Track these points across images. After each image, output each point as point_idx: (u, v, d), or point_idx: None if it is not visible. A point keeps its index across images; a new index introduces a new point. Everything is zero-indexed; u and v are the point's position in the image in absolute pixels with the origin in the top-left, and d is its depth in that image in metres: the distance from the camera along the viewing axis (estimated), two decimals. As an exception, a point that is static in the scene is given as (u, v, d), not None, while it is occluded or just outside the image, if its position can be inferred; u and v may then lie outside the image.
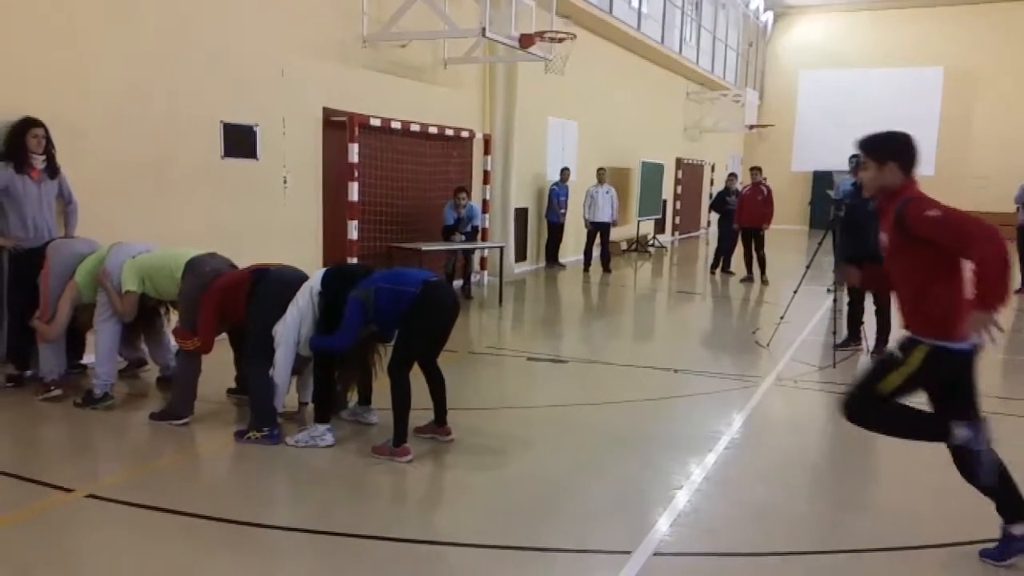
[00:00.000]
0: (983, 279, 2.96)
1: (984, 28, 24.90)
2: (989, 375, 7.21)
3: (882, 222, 3.41)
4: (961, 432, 3.22)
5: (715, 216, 14.61)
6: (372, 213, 9.34)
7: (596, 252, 13.85)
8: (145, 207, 6.57)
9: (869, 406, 3.36)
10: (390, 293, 4.50)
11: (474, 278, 11.14)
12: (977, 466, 3.28)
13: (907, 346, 3.25)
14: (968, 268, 3.07)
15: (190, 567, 3.31)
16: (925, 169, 23.47)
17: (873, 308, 7.51)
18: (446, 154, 10.82)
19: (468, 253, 10.62)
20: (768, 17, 27.68)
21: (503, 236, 11.96)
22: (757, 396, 6.08)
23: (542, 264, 13.90)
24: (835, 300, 7.79)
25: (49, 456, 4.73)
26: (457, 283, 10.38)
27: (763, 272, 12.80)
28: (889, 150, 3.33)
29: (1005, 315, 10.66)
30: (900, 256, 3.34)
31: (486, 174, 11.57)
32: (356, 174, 8.79)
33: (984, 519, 3.98)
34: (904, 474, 4.69)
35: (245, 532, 3.60)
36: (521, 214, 13.03)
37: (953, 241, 3.07)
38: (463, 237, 10.24)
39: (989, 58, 24.96)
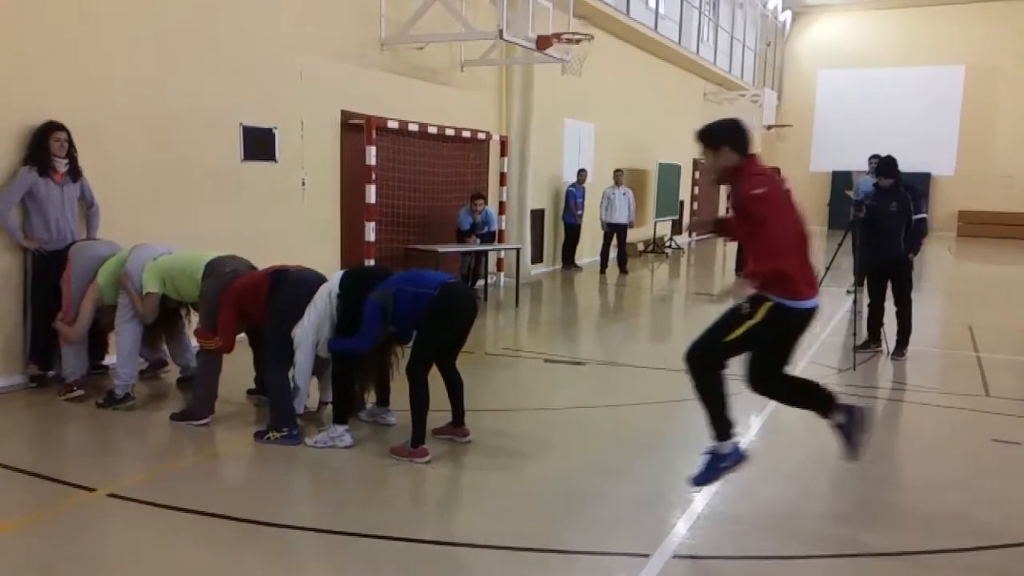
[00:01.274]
0: (763, 255, 3.52)
1: (1006, 25, 24.59)
2: (1010, 378, 7.12)
3: (730, 198, 3.89)
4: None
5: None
6: (389, 215, 9.37)
7: (613, 254, 13.82)
8: (166, 210, 6.63)
9: (708, 352, 3.75)
10: (411, 295, 4.52)
11: (490, 279, 11.16)
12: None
13: (755, 302, 3.63)
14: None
15: (211, 566, 3.33)
16: (945, 169, 23.38)
17: (894, 310, 7.44)
18: (463, 156, 10.83)
19: (480, 256, 10.64)
20: (786, 16, 27.51)
21: (519, 238, 11.97)
22: (776, 398, 6.03)
23: (558, 266, 13.89)
24: (855, 302, 7.73)
25: (71, 456, 4.78)
26: (465, 285, 10.41)
27: (782, 273, 12.71)
28: (720, 136, 3.73)
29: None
30: (745, 227, 3.74)
31: (503, 176, 11.57)
32: (373, 176, 8.83)
33: (1006, 524, 3.95)
34: (924, 478, 4.64)
35: (265, 532, 3.63)
36: (538, 216, 13.03)
37: (761, 216, 3.52)
38: (478, 240, 10.27)
39: (1011, 55, 24.64)
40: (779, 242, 3.51)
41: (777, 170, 13.64)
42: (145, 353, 5.91)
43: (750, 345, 3.71)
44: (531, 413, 5.69)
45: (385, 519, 3.80)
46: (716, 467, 3.79)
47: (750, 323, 3.62)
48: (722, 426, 3.77)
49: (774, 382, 3.84)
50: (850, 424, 3.79)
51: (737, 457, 3.79)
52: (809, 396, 3.88)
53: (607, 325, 9.91)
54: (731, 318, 3.71)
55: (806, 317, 3.67)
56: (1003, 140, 24.93)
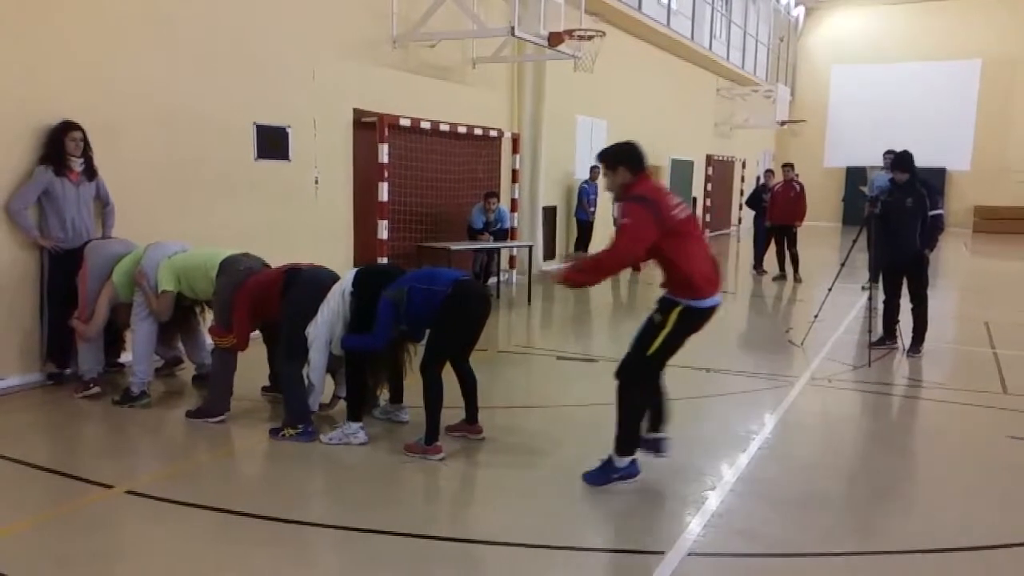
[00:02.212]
0: (594, 260, 4.04)
1: (1023, 18, 24.33)
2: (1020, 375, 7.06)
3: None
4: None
5: (750, 213, 14.34)
6: (402, 213, 9.39)
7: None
8: (180, 208, 6.67)
9: (636, 368, 4.07)
10: (424, 293, 4.52)
11: (503, 277, 11.16)
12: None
13: (665, 307, 4.00)
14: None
15: (228, 562, 3.35)
16: (961, 164, 23.18)
17: (909, 306, 7.38)
18: (475, 153, 10.84)
19: (493, 254, 10.65)
20: (799, 12, 27.34)
21: (532, 235, 11.96)
22: (791, 396, 6.01)
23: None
24: (870, 298, 7.68)
25: (88, 453, 4.82)
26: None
27: (796, 270, 12.66)
28: (617, 158, 4.10)
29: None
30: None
31: (515, 173, 11.57)
32: (386, 174, 8.84)
33: (1017, 521, 3.92)
34: (939, 475, 4.61)
35: (281, 528, 3.65)
36: (550, 213, 13.01)
37: (617, 236, 3.93)
38: (491, 237, 10.27)
39: (1029, 49, 24.40)
40: (616, 261, 3.98)
41: (791, 166, 13.48)
42: (160, 351, 5.95)
43: (669, 351, 4.01)
44: (544, 410, 5.69)
45: (400, 516, 3.81)
46: (608, 474, 4.10)
47: (665, 332, 3.96)
48: (628, 443, 4.08)
49: (648, 375, 4.15)
50: (651, 447, 4.27)
51: (630, 471, 4.11)
52: (657, 405, 4.27)
53: (619, 322, 9.88)
54: (648, 331, 4.02)
55: (709, 314, 4.05)
56: (1020, 135, 24.67)
